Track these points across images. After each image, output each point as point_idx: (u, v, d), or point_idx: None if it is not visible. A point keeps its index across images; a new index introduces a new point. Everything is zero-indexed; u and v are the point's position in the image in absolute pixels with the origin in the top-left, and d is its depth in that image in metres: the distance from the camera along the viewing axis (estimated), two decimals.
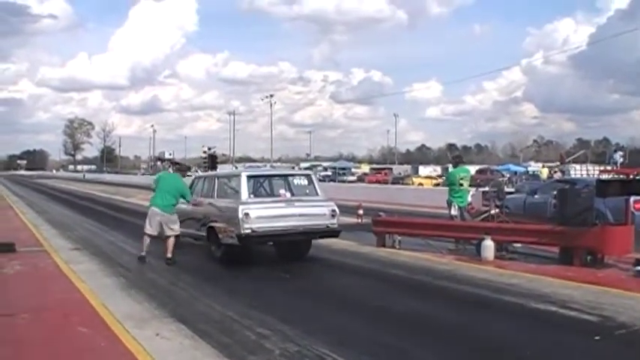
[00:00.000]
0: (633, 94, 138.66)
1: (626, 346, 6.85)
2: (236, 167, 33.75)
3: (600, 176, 16.98)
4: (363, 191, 39.24)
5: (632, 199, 12.85)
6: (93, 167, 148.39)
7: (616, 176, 14.12)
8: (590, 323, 7.68)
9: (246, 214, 11.43)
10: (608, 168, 26.16)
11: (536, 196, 16.86)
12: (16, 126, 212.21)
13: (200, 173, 23.34)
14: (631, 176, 12.62)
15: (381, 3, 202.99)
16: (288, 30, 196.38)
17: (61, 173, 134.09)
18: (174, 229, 12.49)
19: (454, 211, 14.68)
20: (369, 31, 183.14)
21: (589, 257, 11.49)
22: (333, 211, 12.31)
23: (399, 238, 14.43)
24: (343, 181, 62.67)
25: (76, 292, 9.53)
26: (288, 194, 12.75)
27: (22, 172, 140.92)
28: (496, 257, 12.28)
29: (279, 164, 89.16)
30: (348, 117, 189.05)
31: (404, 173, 75.73)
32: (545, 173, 50.38)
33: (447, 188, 15.51)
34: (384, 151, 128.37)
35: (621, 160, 37.90)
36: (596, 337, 7.05)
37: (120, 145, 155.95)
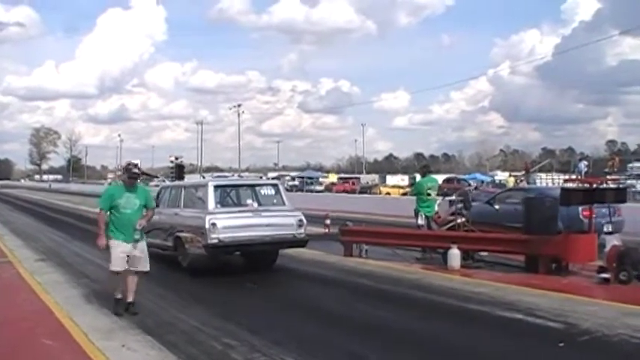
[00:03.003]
0: (597, 104, 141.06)
1: (589, 353, 6.96)
2: (203, 177, 33.69)
3: (564, 185, 17.13)
4: (330, 201, 39.30)
5: (581, 207, 13.11)
6: (59, 177, 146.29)
7: (580, 185, 14.26)
8: (554, 330, 7.78)
9: (213, 224, 11.40)
10: (573, 177, 26.41)
11: (496, 206, 17.01)
12: None
13: (167, 183, 23.23)
14: (594, 185, 12.75)
15: (351, 13, 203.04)
16: (258, 39, 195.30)
17: (27, 183, 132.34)
18: (145, 264, 8.88)
19: (421, 221, 14.76)
20: (338, 41, 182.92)
21: (554, 265, 11.65)
22: (300, 220, 12.32)
23: (367, 247, 14.49)
24: (311, 191, 62.60)
25: (41, 304, 9.44)
26: (255, 204, 12.75)
27: None
28: (462, 266, 12.37)
29: (246, 174, 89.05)
30: (316, 127, 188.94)
31: (371, 182, 75.83)
32: (511, 182, 50.90)
33: (415, 197, 15.58)
34: (352, 161, 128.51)
35: (586, 169, 38.40)
36: (561, 344, 7.14)
37: (86, 155, 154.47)
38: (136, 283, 8.87)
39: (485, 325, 8.28)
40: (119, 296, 8.81)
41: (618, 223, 14.17)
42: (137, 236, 8.71)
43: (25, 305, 9.47)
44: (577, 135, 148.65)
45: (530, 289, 10.21)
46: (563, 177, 33.71)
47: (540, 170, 53.83)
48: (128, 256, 8.63)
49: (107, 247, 8.72)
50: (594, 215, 12.32)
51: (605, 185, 13.60)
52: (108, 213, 8.89)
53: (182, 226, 12.39)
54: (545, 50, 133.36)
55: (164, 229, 13.17)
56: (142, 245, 8.84)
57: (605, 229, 13.17)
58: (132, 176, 8.96)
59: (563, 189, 13.35)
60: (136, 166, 9.23)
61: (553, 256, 11.60)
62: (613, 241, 11.01)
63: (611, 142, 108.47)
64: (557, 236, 11.60)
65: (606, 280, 10.59)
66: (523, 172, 46.00)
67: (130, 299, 8.78)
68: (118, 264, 8.65)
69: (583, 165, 39.68)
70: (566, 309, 8.73)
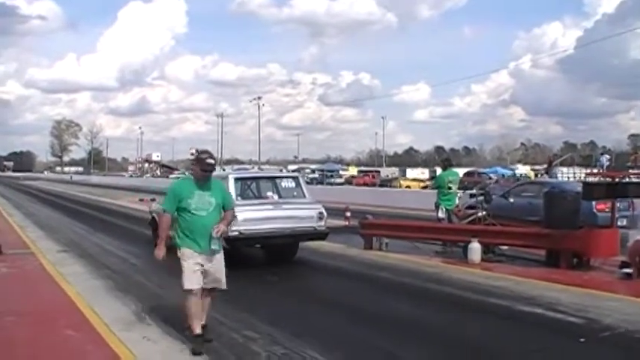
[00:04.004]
0: (620, 98, 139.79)
1: (611, 349, 6.90)
2: (224, 169, 33.76)
3: (586, 179, 16.99)
4: (350, 194, 39.28)
5: (594, 202, 13.01)
6: (80, 169, 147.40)
7: (602, 179, 14.16)
8: (575, 325, 7.74)
9: (234, 217, 11.41)
10: (595, 171, 26.22)
11: (510, 199, 16.91)
12: (3, 127, 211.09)
13: (187, 175, 23.29)
14: (617, 179, 12.64)
15: (372, 6, 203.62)
16: (278, 32, 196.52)
17: (48, 175, 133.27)
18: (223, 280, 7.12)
19: (442, 214, 14.72)
20: (358, 34, 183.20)
21: (575, 260, 11.57)
22: (321, 213, 12.31)
23: (387, 240, 14.44)
24: (331, 184, 62.50)
25: (63, 295, 9.50)
26: (276, 197, 12.76)
27: (10, 173, 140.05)
28: (483, 260, 12.32)
29: (267, 166, 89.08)
30: (336, 119, 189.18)
31: (392, 176, 75.67)
32: (532, 176, 50.61)
33: (435, 191, 15.54)
34: (372, 154, 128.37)
35: (608, 163, 38.11)
36: (582, 340, 7.10)
37: (107, 147, 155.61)
38: (210, 305, 7.20)
39: (505, 319, 8.25)
40: (199, 331, 6.77)
41: (633, 217, 14.00)
42: (215, 246, 6.74)
43: (48, 296, 9.55)
44: (599, 129, 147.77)
45: (551, 284, 10.14)
46: (584, 171, 33.41)
47: (561, 164, 53.30)
48: (204, 270, 6.83)
49: (163, 258, 6.92)
50: (607, 209, 12.23)
51: (627, 179, 13.45)
52: (171, 216, 6.96)
53: None
54: (567, 43, 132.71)
55: None
56: (220, 257, 6.97)
57: (619, 224, 13.04)
58: (206, 169, 6.78)
59: (585, 183, 13.26)
60: (210, 155, 6.97)
61: (574, 250, 11.52)
62: (636, 236, 10.91)
63: (634, 136, 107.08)
64: (578, 231, 11.51)
65: (628, 275, 10.48)
66: (545, 166, 45.61)
67: (202, 321, 6.97)
68: (193, 280, 6.77)
69: (605, 159, 39.39)
70: (587, 304, 8.67)
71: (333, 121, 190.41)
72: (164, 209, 7.04)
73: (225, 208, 7.02)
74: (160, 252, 6.93)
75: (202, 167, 6.77)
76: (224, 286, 7.09)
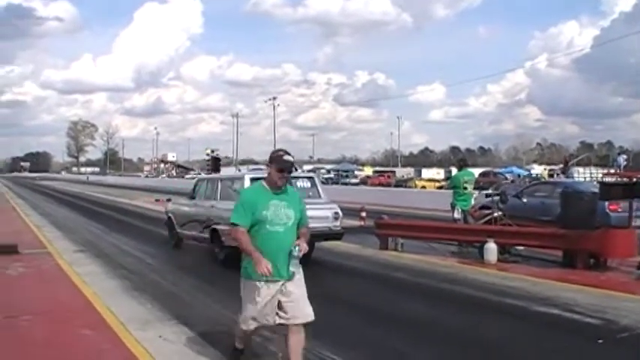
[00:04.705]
0: (637, 97, 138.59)
1: (628, 350, 6.84)
2: (239, 170, 33.86)
3: (603, 179, 16.92)
4: (365, 194, 39.31)
5: (606, 202, 12.91)
6: (96, 169, 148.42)
7: (619, 179, 14.07)
8: (592, 326, 7.69)
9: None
10: (612, 171, 26.08)
11: (523, 199, 16.88)
12: (20, 128, 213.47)
13: (203, 175, 23.36)
14: (634, 179, 12.55)
15: (387, 5, 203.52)
16: (293, 32, 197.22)
17: (64, 175, 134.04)
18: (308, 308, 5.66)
19: (457, 214, 14.68)
20: (373, 34, 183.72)
21: (592, 260, 11.51)
22: (336, 213, 12.31)
23: (402, 240, 14.43)
24: (346, 184, 62.65)
25: (80, 294, 9.53)
26: None
27: (26, 173, 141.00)
28: (499, 260, 12.29)
29: None
30: (351, 120, 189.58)
31: (407, 176, 75.68)
32: (546, 176, 50.48)
33: (451, 191, 15.51)
34: (387, 154, 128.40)
35: (625, 163, 37.91)
36: (599, 341, 7.06)
37: (123, 147, 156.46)
38: (303, 342, 5.68)
39: (522, 320, 8.21)
40: (240, 346, 6.03)
41: None
42: (293, 268, 5.48)
43: (64, 296, 9.58)
44: (616, 128, 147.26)
45: (568, 285, 10.10)
46: (601, 171, 33.27)
47: (578, 164, 53.17)
48: (280, 301, 5.48)
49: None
50: (620, 209, 12.15)
51: None
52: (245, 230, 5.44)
53: (218, 219, 12.42)
54: (583, 42, 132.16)
55: (200, 221, 13.27)
56: (300, 280, 5.67)
57: (633, 224, 12.93)
58: (284, 167, 5.42)
59: (602, 183, 13.19)
60: (286, 151, 5.59)
61: (591, 251, 11.47)
62: None
63: None
64: (595, 231, 11.44)
65: None
66: (561, 166, 45.43)
67: None
68: (258, 315, 5.50)
69: (622, 159, 39.15)
70: (604, 305, 8.62)
71: (349, 121, 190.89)
72: (235, 223, 5.46)
73: (301, 223, 5.66)
74: (263, 265, 5.27)
75: (279, 165, 5.41)
76: (311, 317, 5.59)
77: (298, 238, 5.55)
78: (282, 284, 5.44)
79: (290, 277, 5.47)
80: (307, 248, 5.56)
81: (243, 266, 5.54)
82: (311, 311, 5.57)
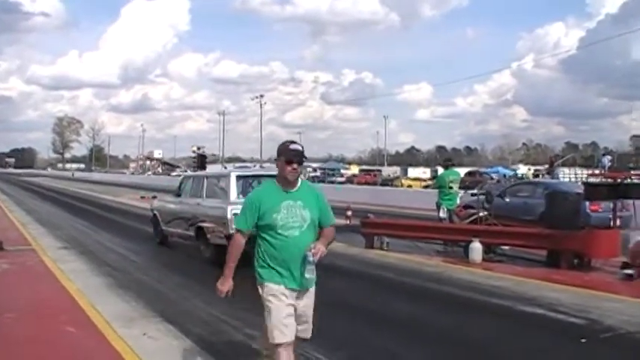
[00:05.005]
0: (622, 98, 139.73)
1: (612, 349, 6.89)
2: (225, 167, 33.80)
3: (588, 180, 17.02)
4: (352, 192, 39.20)
5: (587, 202, 13.00)
6: (82, 166, 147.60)
7: (604, 180, 14.14)
8: (576, 326, 7.73)
9: (235, 215, 11.38)
10: (597, 172, 26.21)
11: (506, 199, 17.05)
12: (5, 124, 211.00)
13: (189, 173, 23.30)
14: (619, 180, 12.62)
15: (375, 5, 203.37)
16: (281, 30, 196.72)
17: (50, 171, 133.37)
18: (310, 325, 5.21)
19: (443, 214, 14.72)
20: (361, 33, 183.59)
21: (576, 260, 11.57)
22: None
23: (388, 239, 14.44)
24: (332, 182, 62.54)
25: (64, 292, 9.49)
26: None
27: (11, 169, 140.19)
28: (484, 259, 12.33)
29: (268, 164, 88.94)
30: (338, 118, 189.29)
31: (393, 175, 75.80)
32: (530, 176, 50.71)
33: (437, 190, 15.56)
34: (374, 153, 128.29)
35: (609, 164, 38.07)
36: (583, 340, 7.10)
37: (109, 144, 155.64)
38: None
39: (507, 319, 8.24)
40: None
41: (626, 218, 13.91)
42: (309, 274, 4.78)
43: (48, 293, 9.53)
44: (601, 129, 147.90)
45: (552, 284, 10.15)
46: (586, 172, 33.44)
47: (563, 165, 53.37)
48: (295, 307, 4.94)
49: (227, 295, 5.07)
50: (601, 209, 12.22)
51: (629, 180, 13.43)
52: (243, 237, 4.93)
53: (204, 216, 12.41)
54: (570, 43, 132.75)
55: (186, 218, 13.24)
56: (313, 292, 5.10)
57: (611, 224, 13.01)
58: (292, 158, 4.74)
59: (587, 184, 13.26)
60: (294, 141, 4.97)
61: (575, 251, 11.52)
62: (637, 237, 10.91)
63: (636, 137, 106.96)
64: (580, 231, 11.50)
65: (630, 276, 10.48)
66: (547, 166, 45.63)
67: None
68: (287, 328, 4.86)
69: (607, 160, 39.32)
70: (588, 305, 8.67)
71: (335, 120, 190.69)
72: (236, 228, 4.97)
73: (324, 223, 4.99)
74: (225, 286, 5.01)
75: (287, 156, 4.75)
76: (309, 334, 5.19)
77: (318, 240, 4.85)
78: (297, 294, 4.90)
79: (306, 286, 4.89)
80: (325, 251, 4.77)
81: (257, 270, 4.90)
82: (310, 327, 5.14)
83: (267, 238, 4.80)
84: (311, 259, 4.66)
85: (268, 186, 4.96)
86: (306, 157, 4.87)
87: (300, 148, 4.83)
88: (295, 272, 4.78)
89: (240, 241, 4.90)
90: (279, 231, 4.74)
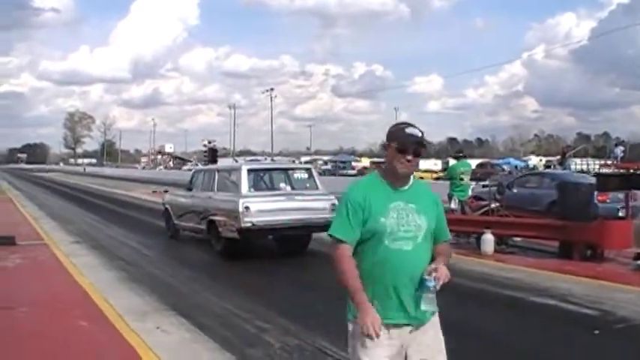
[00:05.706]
0: (634, 88, 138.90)
1: (625, 340, 6.85)
2: (236, 161, 33.80)
3: (600, 170, 17.02)
4: None
5: (596, 192, 12.95)
6: (93, 161, 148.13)
7: (616, 170, 14.09)
8: (589, 317, 7.70)
9: (247, 208, 11.41)
10: (609, 162, 26.11)
11: (514, 190, 17.06)
12: (17, 119, 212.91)
13: (200, 167, 23.32)
14: (631, 171, 12.56)
15: None
16: (291, 23, 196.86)
17: (62, 167, 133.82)
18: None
19: (454, 205, 14.68)
20: (371, 25, 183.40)
21: (589, 251, 11.51)
22: (334, 204, 12.26)
23: None
24: (343, 175, 62.54)
25: (77, 286, 9.51)
26: (289, 188, 12.76)
27: (23, 165, 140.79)
28: (496, 251, 12.28)
29: (279, 158, 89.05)
30: (348, 111, 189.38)
31: None
32: (540, 167, 50.63)
33: (448, 182, 15.52)
34: (385, 145, 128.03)
35: (622, 154, 37.92)
36: (596, 331, 7.06)
37: (120, 139, 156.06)
38: None
39: (519, 311, 8.22)
40: None
41: (634, 208, 13.85)
42: (427, 305, 3.45)
43: (61, 287, 9.56)
44: (613, 120, 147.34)
45: (565, 276, 10.10)
46: (598, 162, 33.30)
47: (575, 155, 53.22)
48: (407, 355, 3.49)
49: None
50: (608, 200, 12.15)
51: None
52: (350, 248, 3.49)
53: (215, 210, 12.42)
54: (581, 34, 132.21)
55: (198, 212, 13.26)
56: (436, 326, 3.69)
57: (620, 215, 12.94)
58: (407, 146, 3.43)
59: (599, 175, 13.21)
60: (412, 126, 3.57)
61: (588, 242, 11.46)
62: None
63: None
64: (592, 222, 11.45)
65: None
66: (559, 157, 45.48)
67: None
68: None
69: (619, 150, 39.17)
70: (601, 296, 8.63)
71: (346, 113, 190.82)
72: (333, 236, 3.56)
73: (439, 238, 3.61)
74: (371, 317, 3.34)
75: (401, 143, 3.45)
76: None
77: (433, 259, 3.52)
78: (411, 331, 3.49)
79: (422, 320, 3.51)
80: (449, 276, 3.44)
81: (349, 302, 3.59)
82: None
83: (366, 251, 3.47)
84: (432, 284, 3.38)
85: (372, 180, 3.62)
86: (425, 146, 3.60)
87: (419, 133, 3.52)
88: (405, 300, 3.44)
89: (347, 252, 3.48)
90: (386, 242, 3.40)
